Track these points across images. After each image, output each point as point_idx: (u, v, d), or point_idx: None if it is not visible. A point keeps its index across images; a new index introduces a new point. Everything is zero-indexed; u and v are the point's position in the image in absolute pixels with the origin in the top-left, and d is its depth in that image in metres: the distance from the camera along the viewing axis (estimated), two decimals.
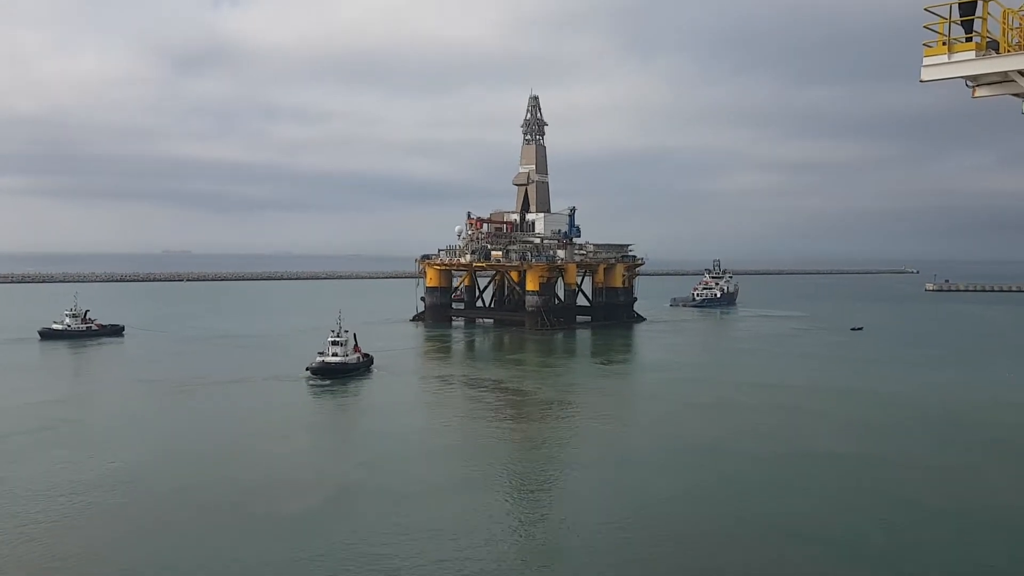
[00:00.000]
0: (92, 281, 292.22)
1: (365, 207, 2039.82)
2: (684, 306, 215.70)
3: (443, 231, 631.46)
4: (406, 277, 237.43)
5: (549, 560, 41.91)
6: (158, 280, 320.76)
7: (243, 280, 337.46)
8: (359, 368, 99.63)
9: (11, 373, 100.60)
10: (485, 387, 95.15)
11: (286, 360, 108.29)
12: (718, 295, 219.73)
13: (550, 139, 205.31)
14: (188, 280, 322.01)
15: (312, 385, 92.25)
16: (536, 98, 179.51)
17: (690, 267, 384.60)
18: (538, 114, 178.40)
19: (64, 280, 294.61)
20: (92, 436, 67.99)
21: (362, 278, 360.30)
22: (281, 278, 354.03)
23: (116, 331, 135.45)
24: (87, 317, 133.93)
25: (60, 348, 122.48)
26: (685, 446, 65.72)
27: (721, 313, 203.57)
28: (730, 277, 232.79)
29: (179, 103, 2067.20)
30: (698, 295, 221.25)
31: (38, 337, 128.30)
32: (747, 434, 69.70)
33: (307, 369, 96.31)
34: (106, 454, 60.54)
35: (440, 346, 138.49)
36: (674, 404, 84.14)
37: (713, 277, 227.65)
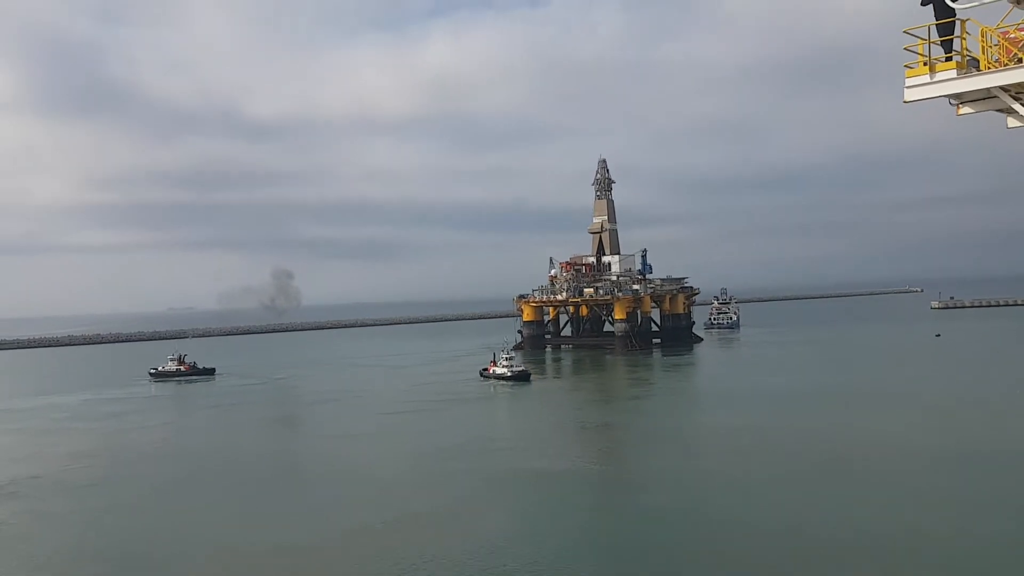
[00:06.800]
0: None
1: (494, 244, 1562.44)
2: (711, 328, 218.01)
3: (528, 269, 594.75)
4: (504, 317, 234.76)
5: None
6: (163, 339, 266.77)
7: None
8: None
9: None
10: (608, 393, 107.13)
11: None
12: (733, 318, 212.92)
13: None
14: (193, 336, 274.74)
15: (508, 388, 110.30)
16: (604, 161, 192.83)
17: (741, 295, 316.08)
18: (607, 174, 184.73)
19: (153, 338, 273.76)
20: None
21: (464, 319, 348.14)
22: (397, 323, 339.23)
23: (208, 372, 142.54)
24: (183, 360, 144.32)
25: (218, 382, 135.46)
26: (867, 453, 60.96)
27: (739, 336, 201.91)
28: (735, 304, 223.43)
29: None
30: (715, 320, 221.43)
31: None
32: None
33: (505, 377, 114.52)
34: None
35: (549, 365, 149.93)
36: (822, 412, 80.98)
37: (722, 303, 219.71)
